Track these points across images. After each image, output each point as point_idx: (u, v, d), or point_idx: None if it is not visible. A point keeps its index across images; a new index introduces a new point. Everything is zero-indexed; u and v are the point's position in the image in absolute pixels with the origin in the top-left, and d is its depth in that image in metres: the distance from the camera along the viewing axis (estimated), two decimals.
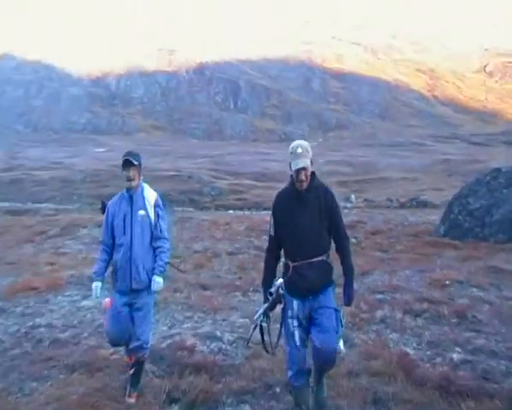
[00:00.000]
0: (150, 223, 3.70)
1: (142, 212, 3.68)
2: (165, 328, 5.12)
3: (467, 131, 61.92)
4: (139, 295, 3.65)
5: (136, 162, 3.64)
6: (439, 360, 4.06)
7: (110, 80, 75.92)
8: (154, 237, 3.71)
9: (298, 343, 3.15)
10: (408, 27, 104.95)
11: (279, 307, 3.25)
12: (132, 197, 3.70)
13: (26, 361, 4.30)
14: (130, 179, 3.66)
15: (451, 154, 42.21)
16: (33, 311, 5.83)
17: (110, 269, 3.74)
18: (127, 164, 3.63)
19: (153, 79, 76.33)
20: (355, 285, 3.31)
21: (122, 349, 3.95)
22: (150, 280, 3.63)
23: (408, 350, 4.29)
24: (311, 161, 3.08)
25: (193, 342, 4.58)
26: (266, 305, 3.17)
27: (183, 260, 8.46)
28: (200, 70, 78.38)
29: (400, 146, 50.43)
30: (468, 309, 5.16)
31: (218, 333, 4.85)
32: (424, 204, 19.83)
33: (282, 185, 3.38)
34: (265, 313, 3.16)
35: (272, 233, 3.26)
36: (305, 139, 3.47)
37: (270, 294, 3.17)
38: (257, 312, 3.25)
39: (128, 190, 3.71)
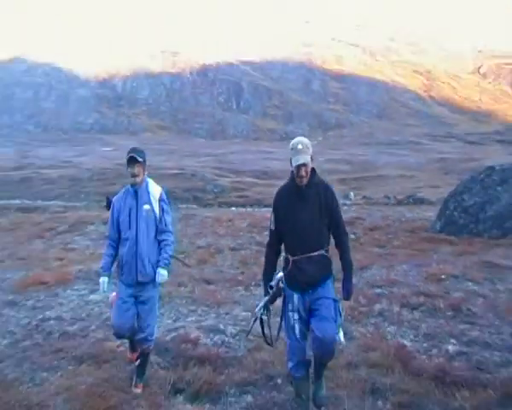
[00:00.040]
0: (155, 217, 3.70)
1: (147, 206, 3.68)
2: (169, 321, 5.18)
3: (462, 131, 62.42)
4: (144, 288, 3.67)
5: (140, 159, 3.65)
6: (434, 351, 4.14)
7: (116, 82, 76.55)
8: (158, 231, 3.72)
9: (298, 336, 3.19)
10: (405, 29, 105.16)
11: (279, 301, 3.28)
12: (137, 192, 3.70)
13: (37, 353, 4.38)
14: (134, 176, 3.66)
15: (447, 152, 42.49)
16: (43, 304, 5.93)
17: (116, 263, 3.77)
18: (132, 161, 3.64)
19: (158, 80, 76.99)
20: (354, 280, 3.35)
21: (128, 343, 3.98)
22: (155, 273, 3.64)
23: (405, 342, 4.37)
24: (312, 158, 3.12)
25: (197, 334, 4.65)
26: (267, 298, 3.21)
27: (188, 255, 8.52)
28: (204, 72, 78.93)
29: (398, 145, 50.70)
30: (463, 302, 5.24)
31: (222, 326, 4.91)
32: (421, 201, 20.01)
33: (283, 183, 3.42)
34: (266, 306, 3.20)
35: (273, 228, 3.27)
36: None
37: (271, 287, 3.20)
38: (257, 305, 3.30)
39: (133, 185, 3.72)
